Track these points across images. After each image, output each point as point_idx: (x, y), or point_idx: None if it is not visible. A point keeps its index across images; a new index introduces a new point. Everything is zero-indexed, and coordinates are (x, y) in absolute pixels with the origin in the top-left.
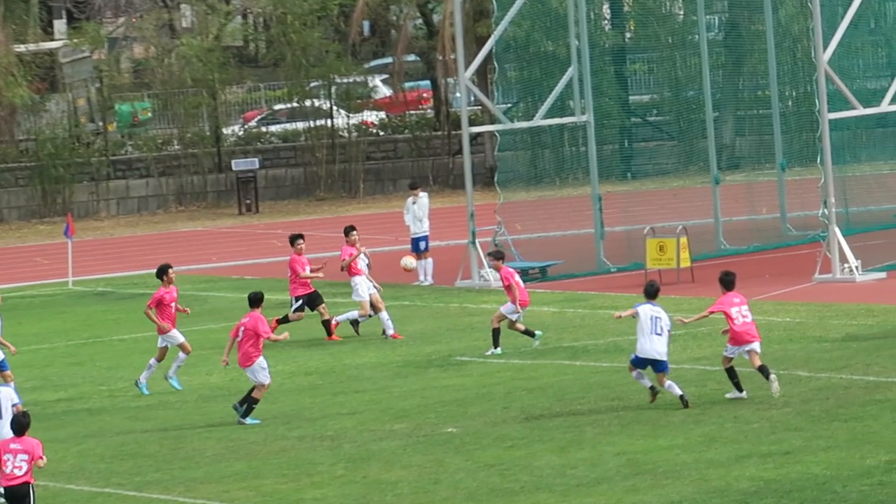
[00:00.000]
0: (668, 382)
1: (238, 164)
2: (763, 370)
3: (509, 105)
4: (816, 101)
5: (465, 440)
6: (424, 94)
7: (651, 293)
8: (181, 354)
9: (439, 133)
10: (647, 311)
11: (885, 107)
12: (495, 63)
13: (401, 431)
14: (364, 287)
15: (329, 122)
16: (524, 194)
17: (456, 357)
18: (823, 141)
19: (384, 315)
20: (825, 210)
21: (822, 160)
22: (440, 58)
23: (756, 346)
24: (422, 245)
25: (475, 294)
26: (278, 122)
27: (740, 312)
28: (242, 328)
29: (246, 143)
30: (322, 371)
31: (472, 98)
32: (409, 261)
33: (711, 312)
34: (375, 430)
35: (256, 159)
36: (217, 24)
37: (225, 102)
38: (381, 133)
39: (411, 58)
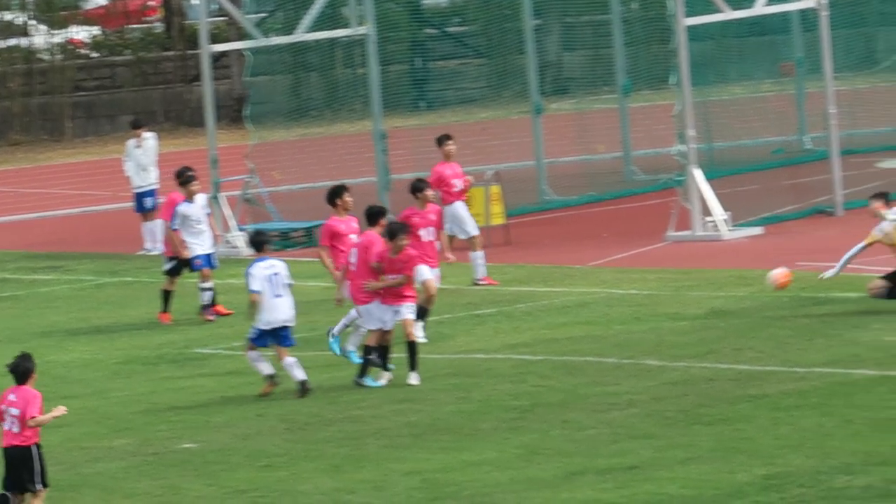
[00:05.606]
0: (288, 359)
1: None
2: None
3: (263, 15)
4: (669, 0)
5: (208, 458)
6: (150, 2)
7: (257, 244)
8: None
9: (171, 53)
10: (260, 270)
11: (759, 8)
12: None
13: (122, 449)
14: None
15: (24, 41)
16: (284, 133)
17: (195, 349)
18: (679, 55)
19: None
20: (682, 146)
21: (678, 80)
22: None
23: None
24: (148, 202)
25: (220, 265)
26: None
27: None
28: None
29: None
30: None
31: (215, 6)
32: None
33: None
34: (89, 448)
35: None
36: None
37: None
38: (94, 55)
39: None
